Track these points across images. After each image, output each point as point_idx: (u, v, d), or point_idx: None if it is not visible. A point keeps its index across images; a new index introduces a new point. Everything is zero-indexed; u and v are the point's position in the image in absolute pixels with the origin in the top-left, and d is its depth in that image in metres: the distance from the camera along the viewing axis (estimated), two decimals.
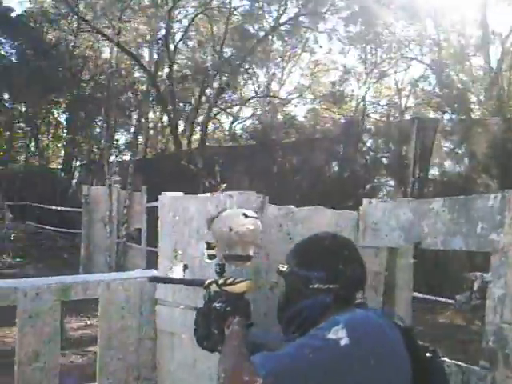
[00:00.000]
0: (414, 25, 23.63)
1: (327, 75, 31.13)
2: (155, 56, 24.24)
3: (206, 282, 2.90)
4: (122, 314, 4.37)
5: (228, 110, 30.96)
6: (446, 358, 3.07)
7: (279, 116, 28.68)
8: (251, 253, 3.04)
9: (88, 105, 28.38)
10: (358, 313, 2.11)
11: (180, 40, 21.87)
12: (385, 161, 19.67)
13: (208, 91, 24.07)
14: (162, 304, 4.44)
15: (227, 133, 31.32)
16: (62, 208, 21.48)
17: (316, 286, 2.24)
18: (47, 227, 21.87)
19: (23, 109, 32.50)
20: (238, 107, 31.60)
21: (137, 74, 27.46)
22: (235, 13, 24.16)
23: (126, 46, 22.07)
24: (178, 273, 4.05)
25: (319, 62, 30.52)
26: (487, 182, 15.50)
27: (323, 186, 19.35)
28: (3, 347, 7.90)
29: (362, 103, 27.00)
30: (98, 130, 31.50)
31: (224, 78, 22.45)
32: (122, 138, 31.67)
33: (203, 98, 23.92)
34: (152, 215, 7.97)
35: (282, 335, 2.40)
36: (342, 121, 26.76)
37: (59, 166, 30.37)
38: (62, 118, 30.69)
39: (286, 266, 2.48)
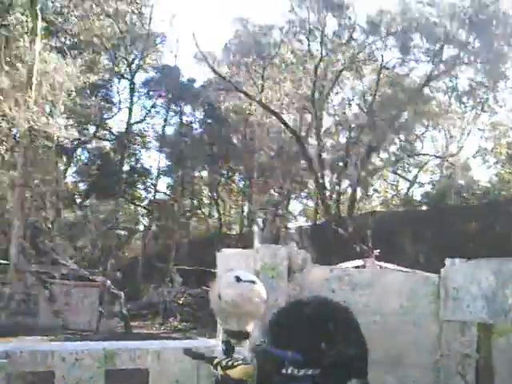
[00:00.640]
0: None
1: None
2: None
3: (214, 362, 2.42)
4: None
5: (404, 174, 29.84)
6: None
7: (459, 180, 26.86)
8: (249, 328, 2.42)
9: (265, 172, 29.17)
10: None
11: (327, 96, 21.42)
12: None
13: (355, 153, 23.25)
14: None
15: (402, 197, 30.12)
16: None
17: (290, 371, 1.61)
18: None
19: (205, 175, 34.65)
20: (416, 171, 30.33)
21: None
22: (386, 65, 23.40)
23: (273, 107, 22.24)
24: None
25: (499, 122, 28.29)
26: None
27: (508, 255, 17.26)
28: None
29: None
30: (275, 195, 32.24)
31: (373, 138, 21.56)
32: (295, 204, 32.02)
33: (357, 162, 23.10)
34: None
35: None
36: None
37: (234, 232, 31.41)
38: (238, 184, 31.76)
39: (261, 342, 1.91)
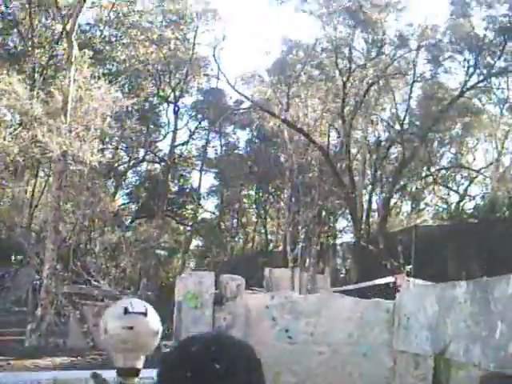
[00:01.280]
0: None
1: None
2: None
3: None
4: None
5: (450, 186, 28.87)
6: None
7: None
8: (138, 365, 2.21)
9: (311, 190, 28.83)
10: None
11: (356, 111, 20.84)
12: None
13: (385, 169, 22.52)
14: None
15: (452, 210, 29.09)
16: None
17: None
18: None
19: (253, 193, 34.67)
20: (466, 184, 29.35)
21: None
22: (418, 79, 22.73)
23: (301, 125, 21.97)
24: None
25: None
26: None
27: None
28: None
29: None
30: (324, 213, 31.84)
31: (406, 151, 20.80)
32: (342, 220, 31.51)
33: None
34: None
35: None
36: None
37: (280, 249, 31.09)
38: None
39: None
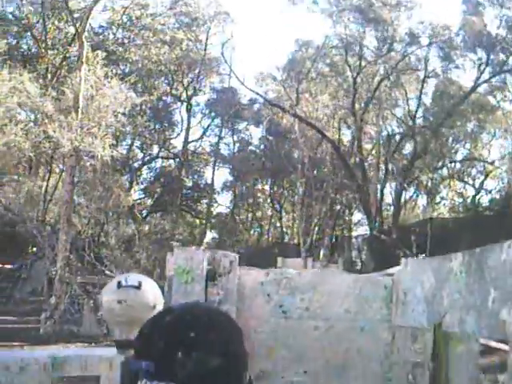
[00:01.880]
0: None
1: None
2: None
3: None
4: None
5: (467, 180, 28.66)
6: None
7: None
8: (133, 336, 2.17)
9: (323, 183, 28.77)
10: None
11: (366, 106, 20.66)
12: None
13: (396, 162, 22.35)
14: None
15: (468, 204, 28.91)
16: None
17: (143, 383, 1.38)
18: None
19: (267, 188, 34.75)
20: (481, 177, 29.16)
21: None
22: (429, 75, 22.55)
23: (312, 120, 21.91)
24: None
25: None
26: None
27: None
28: None
29: None
30: (338, 207, 31.82)
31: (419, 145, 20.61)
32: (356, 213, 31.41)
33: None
34: None
35: None
36: None
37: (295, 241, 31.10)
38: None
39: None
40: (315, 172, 28.08)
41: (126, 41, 30.83)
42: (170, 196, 33.74)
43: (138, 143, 35.02)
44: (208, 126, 35.54)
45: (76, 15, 21.38)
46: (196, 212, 36.89)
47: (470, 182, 30.99)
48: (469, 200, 29.67)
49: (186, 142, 33.72)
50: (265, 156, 33.67)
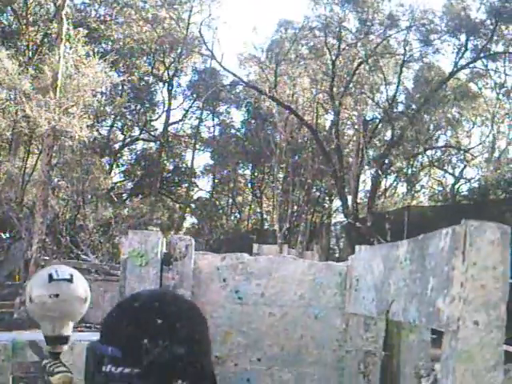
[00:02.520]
0: None
1: None
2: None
3: (43, 363, 2.19)
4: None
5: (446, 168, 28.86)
6: None
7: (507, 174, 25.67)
8: (66, 332, 2.17)
9: (303, 171, 28.83)
10: None
11: (345, 90, 20.65)
12: None
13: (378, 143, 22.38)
14: None
15: (448, 192, 29.17)
16: None
17: (108, 368, 1.35)
18: None
19: (248, 173, 34.76)
20: (462, 166, 29.39)
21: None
22: (408, 59, 22.55)
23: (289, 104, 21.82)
24: None
25: None
26: None
27: None
28: None
29: None
30: (317, 193, 31.92)
31: (397, 130, 20.67)
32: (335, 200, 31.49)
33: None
34: None
35: None
36: None
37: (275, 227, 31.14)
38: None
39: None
40: (295, 157, 28.09)
41: (108, 18, 30.51)
42: (150, 179, 33.61)
43: (118, 124, 34.80)
44: (189, 107, 35.34)
45: None
46: (176, 196, 36.78)
47: (450, 170, 31.25)
48: (448, 188, 29.93)
49: (167, 123, 33.54)
50: (246, 140, 33.58)
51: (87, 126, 16.57)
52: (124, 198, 32.81)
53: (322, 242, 25.28)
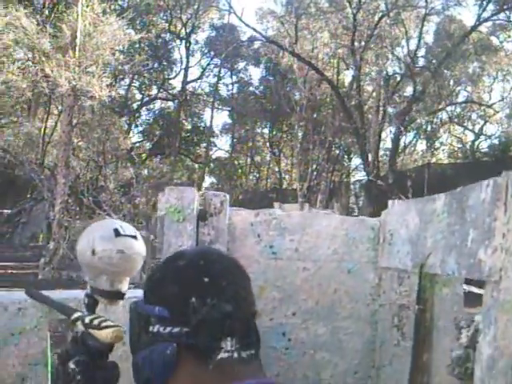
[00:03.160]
0: None
1: None
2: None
3: (72, 317, 2.16)
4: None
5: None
6: None
7: None
8: (124, 288, 2.19)
9: (322, 127, 28.59)
10: None
11: (366, 44, 20.20)
12: None
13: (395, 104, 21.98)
14: None
15: (468, 149, 28.83)
16: None
17: (156, 328, 1.38)
18: None
19: (266, 132, 34.55)
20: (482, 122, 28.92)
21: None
22: (430, 12, 21.87)
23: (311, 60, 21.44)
24: None
25: None
26: None
27: None
28: None
29: None
30: (337, 151, 31.73)
31: (418, 87, 20.26)
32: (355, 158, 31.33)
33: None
34: None
35: None
36: None
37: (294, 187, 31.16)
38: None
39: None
40: (314, 115, 27.82)
41: None
42: (168, 139, 33.59)
43: (136, 83, 34.65)
44: (207, 65, 35.00)
45: None
46: (195, 156, 36.81)
47: (470, 126, 30.81)
48: (468, 145, 29.59)
49: (185, 82, 33.30)
50: (265, 98, 33.30)
51: (107, 85, 16.51)
52: (143, 158, 32.92)
53: (341, 201, 25.24)
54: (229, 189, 31.88)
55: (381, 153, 27.51)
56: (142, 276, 4.65)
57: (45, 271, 14.44)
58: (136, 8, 27.86)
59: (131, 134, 32.93)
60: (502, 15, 23.56)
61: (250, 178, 37.01)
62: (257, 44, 32.50)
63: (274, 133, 35.13)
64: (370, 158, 21.76)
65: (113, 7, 20.48)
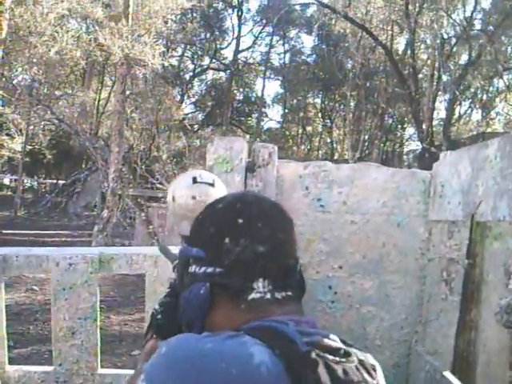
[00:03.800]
0: None
1: None
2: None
3: (174, 263, 2.28)
4: None
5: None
6: None
7: None
8: None
9: (375, 94, 28.11)
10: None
11: (420, 8, 19.39)
12: None
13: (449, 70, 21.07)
14: None
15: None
16: None
17: (193, 269, 1.44)
18: None
19: (318, 101, 34.19)
20: None
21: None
22: None
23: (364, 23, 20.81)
24: None
25: None
26: None
27: None
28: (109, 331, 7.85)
29: None
30: (390, 121, 31.23)
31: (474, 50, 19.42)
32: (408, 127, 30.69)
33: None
34: None
35: None
36: None
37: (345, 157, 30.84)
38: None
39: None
40: (367, 83, 27.31)
41: None
42: (220, 109, 33.72)
43: (188, 53, 34.77)
44: (259, 33, 34.78)
45: None
46: (246, 127, 36.86)
47: None
48: None
49: (237, 51, 33.20)
50: (316, 66, 32.90)
51: (159, 54, 16.61)
52: (196, 129, 33.18)
53: None
54: (280, 159, 31.80)
55: (435, 122, 26.86)
56: None
57: (98, 239, 14.74)
58: None
59: (183, 105, 33.15)
60: None
61: (302, 148, 36.84)
62: (309, 12, 32.07)
63: (326, 102, 34.73)
64: (423, 127, 21.24)
65: None
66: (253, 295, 1.32)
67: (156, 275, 3.81)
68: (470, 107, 31.29)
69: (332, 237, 3.62)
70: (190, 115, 34.67)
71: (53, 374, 3.72)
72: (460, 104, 27.67)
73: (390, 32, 23.04)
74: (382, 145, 29.67)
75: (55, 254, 3.84)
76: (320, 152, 35.75)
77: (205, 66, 35.18)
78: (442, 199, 3.38)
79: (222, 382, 1.09)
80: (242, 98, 36.50)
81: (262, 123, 36.09)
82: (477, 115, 31.98)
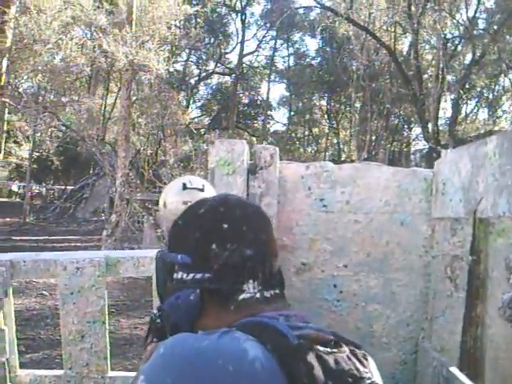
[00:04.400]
0: None
1: None
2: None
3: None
4: None
5: None
6: None
7: None
8: None
9: (381, 97, 28.10)
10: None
11: (423, 9, 19.31)
12: None
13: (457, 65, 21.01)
14: None
15: None
16: None
17: (180, 275, 1.45)
18: None
19: (324, 103, 34.23)
20: None
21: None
22: None
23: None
24: None
25: None
26: None
27: None
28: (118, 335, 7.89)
29: None
30: (396, 121, 31.21)
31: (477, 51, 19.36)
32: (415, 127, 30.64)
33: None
34: None
35: None
36: None
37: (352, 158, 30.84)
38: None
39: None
40: (372, 84, 27.32)
41: None
42: (226, 113, 33.82)
43: (193, 58, 34.93)
44: (263, 37, 34.93)
45: None
46: (253, 130, 36.94)
47: None
48: None
49: (242, 55, 33.33)
50: (321, 69, 32.99)
51: (164, 59, 16.70)
52: (202, 133, 33.26)
53: None
54: (287, 161, 31.81)
55: (441, 122, 26.80)
56: None
57: (107, 243, 14.77)
58: None
59: (190, 110, 33.27)
60: None
61: (308, 150, 36.87)
62: (312, 15, 32.15)
63: (332, 104, 34.78)
64: (429, 127, 21.21)
65: None
66: (243, 296, 1.34)
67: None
68: (476, 106, 31.28)
69: (336, 236, 3.65)
70: (196, 119, 34.77)
71: (63, 378, 3.77)
72: (466, 103, 27.63)
73: (393, 33, 23.03)
74: (388, 145, 29.64)
75: (62, 259, 3.88)
76: (327, 153, 35.75)
77: (210, 71, 35.34)
78: (444, 197, 3.40)
79: (220, 378, 1.11)
80: (247, 101, 36.62)
81: (268, 126, 36.16)
82: (483, 114, 31.93)
